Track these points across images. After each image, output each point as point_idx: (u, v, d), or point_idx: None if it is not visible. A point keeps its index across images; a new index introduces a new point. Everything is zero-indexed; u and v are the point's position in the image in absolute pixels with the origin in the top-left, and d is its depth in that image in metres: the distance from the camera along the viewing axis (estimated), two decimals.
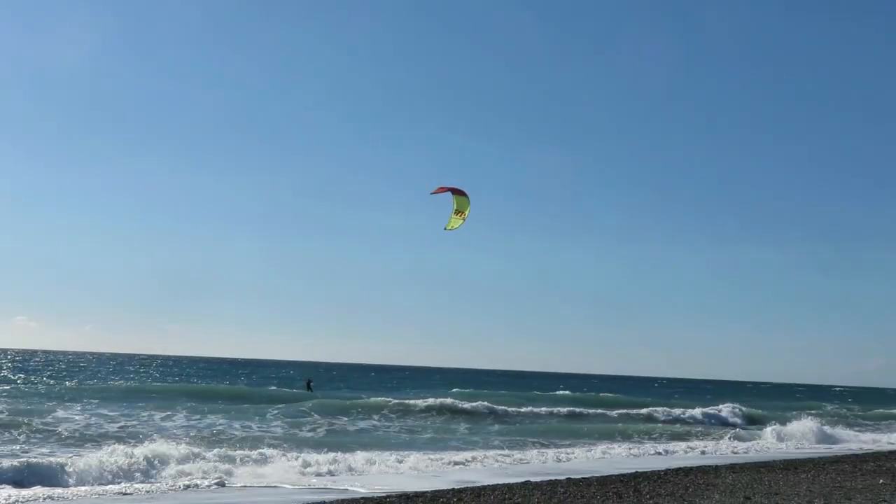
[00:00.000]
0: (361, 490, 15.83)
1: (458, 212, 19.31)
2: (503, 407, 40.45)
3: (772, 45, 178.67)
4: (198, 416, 30.55)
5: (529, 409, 41.29)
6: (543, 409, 41.51)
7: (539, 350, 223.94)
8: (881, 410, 62.01)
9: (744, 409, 47.31)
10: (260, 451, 20.56)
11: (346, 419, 33.33)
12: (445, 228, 19.46)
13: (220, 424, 28.61)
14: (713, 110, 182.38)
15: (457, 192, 19.34)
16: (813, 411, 53.86)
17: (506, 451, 24.01)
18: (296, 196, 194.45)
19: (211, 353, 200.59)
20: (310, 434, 28.06)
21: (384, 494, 14.94)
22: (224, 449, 20.71)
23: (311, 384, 54.27)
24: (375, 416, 35.28)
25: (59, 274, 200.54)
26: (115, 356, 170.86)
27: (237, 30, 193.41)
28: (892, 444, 33.74)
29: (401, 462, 20.41)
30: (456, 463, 20.87)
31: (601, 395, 62.01)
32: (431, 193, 19.47)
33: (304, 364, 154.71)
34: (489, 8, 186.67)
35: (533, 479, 17.17)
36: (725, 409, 45.93)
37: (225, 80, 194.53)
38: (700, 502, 13.90)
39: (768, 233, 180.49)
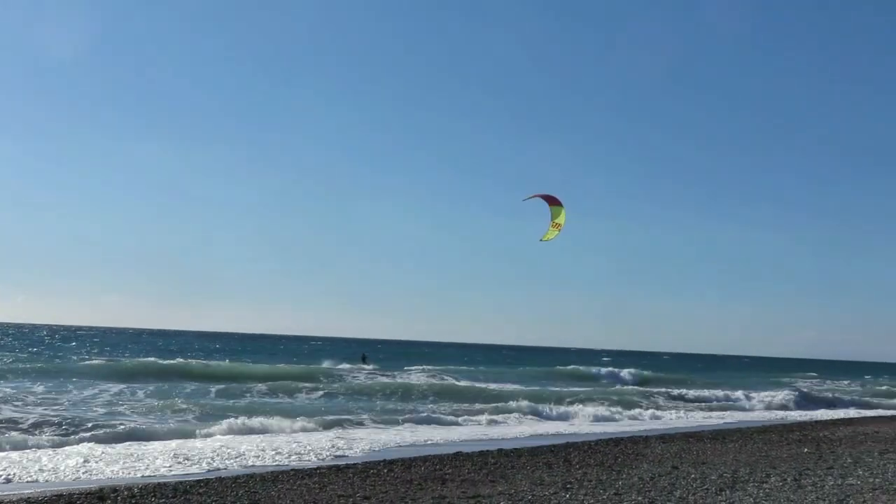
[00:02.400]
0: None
1: (556, 224, 19.11)
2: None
3: (771, 28, 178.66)
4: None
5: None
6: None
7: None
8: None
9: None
10: None
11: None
12: (541, 240, 19.33)
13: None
14: (712, 96, 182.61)
15: (553, 202, 19.11)
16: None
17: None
18: (291, 179, 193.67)
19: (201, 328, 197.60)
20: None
21: (315, 466, 14.84)
22: None
23: (366, 357, 55.27)
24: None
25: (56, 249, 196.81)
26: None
27: (234, 14, 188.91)
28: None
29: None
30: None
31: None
32: (524, 200, 19.34)
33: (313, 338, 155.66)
34: None
35: (465, 449, 17.18)
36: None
37: (222, 65, 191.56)
38: (628, 472, 14.00)
39: (709, 204, 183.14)
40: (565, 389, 39.36)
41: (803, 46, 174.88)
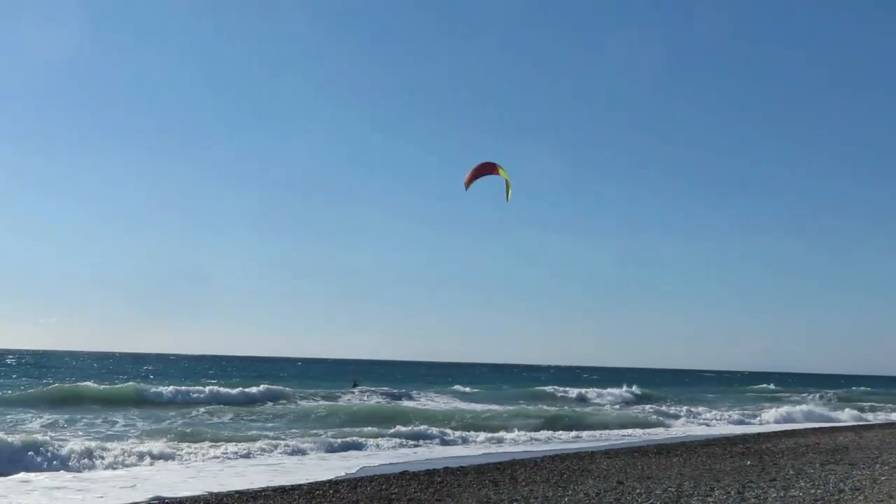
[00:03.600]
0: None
1: (507, 182, 19.41)
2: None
3: (765, 30, 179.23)
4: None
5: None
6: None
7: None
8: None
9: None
10: None
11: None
12: (508, 200, 19.88)
13: None
14: (705, 101, 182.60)
15: (493, 169, 19.28)
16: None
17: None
18: (287, 188, 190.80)
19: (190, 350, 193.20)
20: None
21: (260, 488, 14.61)
22: None
23: (358, 383, 54.05)
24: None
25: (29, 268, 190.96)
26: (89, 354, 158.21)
27: (226, 15, 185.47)
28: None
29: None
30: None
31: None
32: (468, 186, 19.37)
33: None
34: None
35: (411, 468, 17.07)
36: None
37: (214, 69, 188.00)
38: (574, 487, 14.00)
39: (660, 220, 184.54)
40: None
41: (797, 46, 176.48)
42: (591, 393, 56.11)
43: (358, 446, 23.12)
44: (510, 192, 19.69)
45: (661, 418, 37.00)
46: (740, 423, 38.80)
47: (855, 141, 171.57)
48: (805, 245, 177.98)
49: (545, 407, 40.52)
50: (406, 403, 41.64)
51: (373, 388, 50.93)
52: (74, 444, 19.13)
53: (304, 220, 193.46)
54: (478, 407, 40.21)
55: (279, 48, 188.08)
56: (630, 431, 31.05)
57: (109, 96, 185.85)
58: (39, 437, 19.67)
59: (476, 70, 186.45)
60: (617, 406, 47.33)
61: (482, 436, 26.78)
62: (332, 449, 22.19)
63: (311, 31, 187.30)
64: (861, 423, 40.07)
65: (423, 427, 27.40)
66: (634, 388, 59.45)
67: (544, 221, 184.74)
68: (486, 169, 19.50)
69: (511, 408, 39.18)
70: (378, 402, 41.54)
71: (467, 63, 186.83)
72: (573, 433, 29.31)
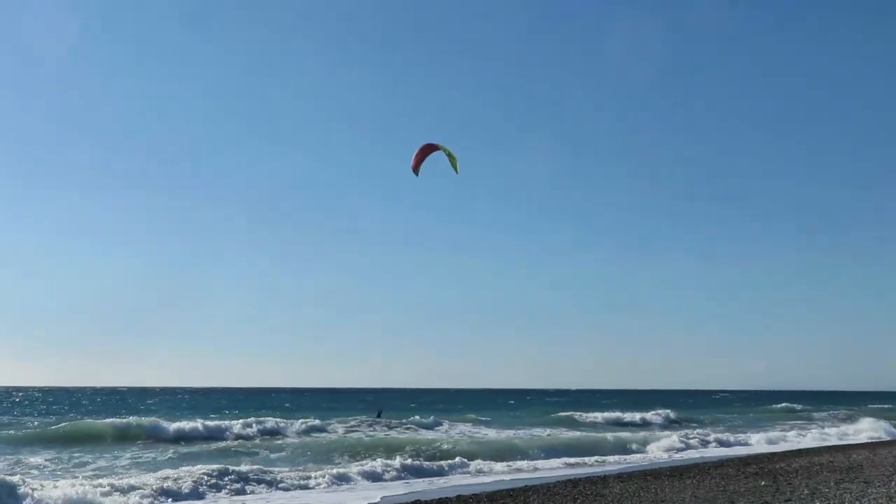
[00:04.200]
0: None
1: (450, 156, 19.42)
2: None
3: (760, 35, 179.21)
4: None
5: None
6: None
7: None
8: None
9: None
10: None
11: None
12: (457, 172, 19.70)
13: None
14: (701, 104, 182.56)
15: (433, 147, 19.37)
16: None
17: None
18: (283, 210, 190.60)
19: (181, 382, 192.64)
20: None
21: None
22: None
23: (381, 412, 53.52)
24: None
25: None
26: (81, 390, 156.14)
27: (216, 25, 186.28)
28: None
29: None
30: None
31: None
32: (417, 171, 19.40)
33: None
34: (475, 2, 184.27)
35: (423, 497, 16.97)
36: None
37: (206, 83, 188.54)
38: None
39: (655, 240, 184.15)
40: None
41: (794, 46, 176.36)
42: (615, 416, 55.11)
43: (379, 476, 23.08)
44: (456, 164, 19.64)
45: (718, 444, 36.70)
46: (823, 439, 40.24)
47: (861, 150, 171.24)
48: (811, 258, 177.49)
49: (571, 432, 40.22)
50: (429, 433, 40.94)
51: (398, 419, 49.86)
52: (60, 484, 18.68)
53: (298, 245, 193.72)
54: (501, 434, 39.71)
55: (272, 62, 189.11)
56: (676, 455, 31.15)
57: (96, 116, 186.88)
58: (22, 478, 19.16)
59: (473, 81, 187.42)
60: (648, 430, 46.36)
61: (506, 465, 26.60)
62: (353, 479, 22.19)
63: (306, 43, 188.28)
64: (875, 440, 39.84)
65: (450, 457, 27.31)
66: (668, 412, 58.32)
67: (548, 241, 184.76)
68: (429, 149, 19.56)
69: (532, 433, 39.03)
70: (401, 432, 41.01)
71: (466, 73, 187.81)
72: (612, 458, 29.33)
